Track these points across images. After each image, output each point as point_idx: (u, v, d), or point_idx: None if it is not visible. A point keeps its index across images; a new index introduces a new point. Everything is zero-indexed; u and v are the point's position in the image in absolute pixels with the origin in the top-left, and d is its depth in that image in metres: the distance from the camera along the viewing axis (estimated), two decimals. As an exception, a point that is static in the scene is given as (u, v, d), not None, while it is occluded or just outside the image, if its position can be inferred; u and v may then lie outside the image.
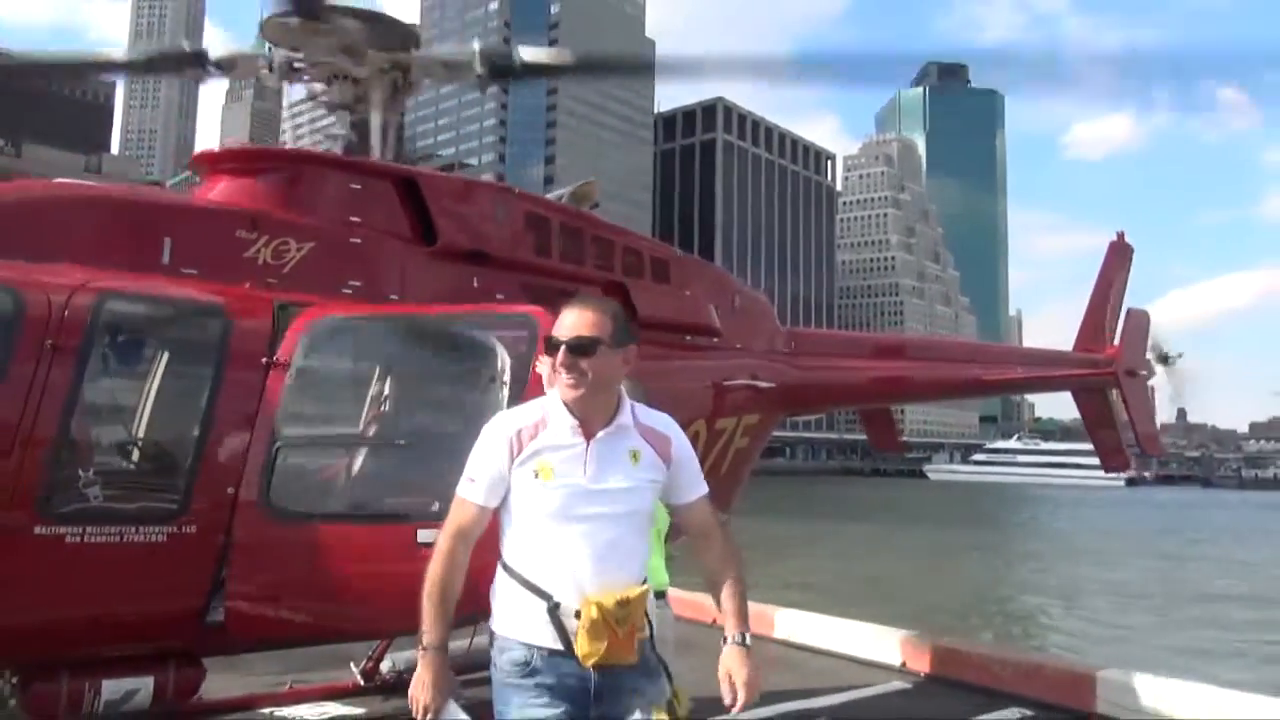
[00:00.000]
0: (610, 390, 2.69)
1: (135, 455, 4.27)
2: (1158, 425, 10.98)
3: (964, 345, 10.46)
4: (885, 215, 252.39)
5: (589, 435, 2.66)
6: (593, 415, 2.66)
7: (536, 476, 2.61)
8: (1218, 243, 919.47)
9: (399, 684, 5.73)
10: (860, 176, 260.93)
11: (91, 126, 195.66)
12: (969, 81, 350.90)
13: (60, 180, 5.11)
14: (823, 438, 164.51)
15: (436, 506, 3.63)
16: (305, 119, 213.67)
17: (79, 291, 3.88)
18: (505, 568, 2.66)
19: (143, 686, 4.08)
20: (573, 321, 2.67)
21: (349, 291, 4.79)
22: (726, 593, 2.74)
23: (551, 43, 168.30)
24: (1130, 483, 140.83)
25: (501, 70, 5.67)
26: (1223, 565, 33.75)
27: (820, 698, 6.61)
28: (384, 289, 4.92)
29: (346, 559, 4.28)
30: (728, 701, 2.60)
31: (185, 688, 4.23)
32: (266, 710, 5.53)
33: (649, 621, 2.67)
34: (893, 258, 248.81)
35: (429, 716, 2.60)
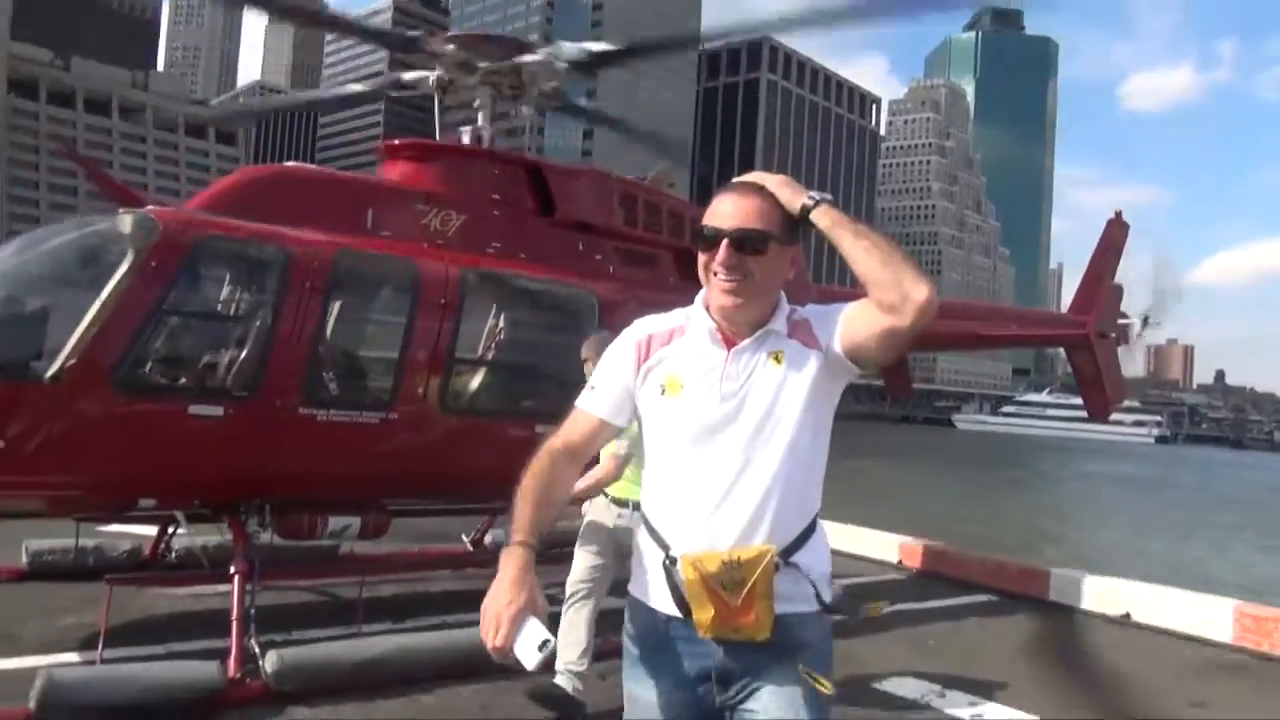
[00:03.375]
0: (772, 297, 2.15)
1: (361, 363, 6.02)
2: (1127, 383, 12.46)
3: (965, 304, 11.67)
4: (928, 162, 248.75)
5: (731, 342, 2.13)
6: (745, 322, 2.13)
7: (662, 392, 2.14)
8: (1272, 204, 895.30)
9: (497, 556, 7.45)
10: (905, 121, 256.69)
11: (138, 42, 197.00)
12: (1023, 27, 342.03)
13: (296, 165, 6.75)
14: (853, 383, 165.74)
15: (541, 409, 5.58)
16: (347, 43, 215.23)
17: (327, 248, 5.58)
18: (642, 512, 2.22)
19: (353, 524, 5.87)
20: (734, 208, 2.11)
21: (491, 251, 6.43)
22: None
23: (595, 25, 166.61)
24: (1160, 440, 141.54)
25: (594, 62, 7.22)
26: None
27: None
28: (516, 248, 6.53)
29: (482, 442, 6.03)
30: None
31: (379, 527, 6.00)
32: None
33: (815, 587, 2.08)
34: (933, 206, 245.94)
35: (499, 633, 1.85)
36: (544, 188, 6.83)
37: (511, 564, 1.94)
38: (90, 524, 6.92)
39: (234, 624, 4.91)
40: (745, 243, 2.05)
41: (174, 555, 6.87)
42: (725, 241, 2.06)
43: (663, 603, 2.09)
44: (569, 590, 4.87)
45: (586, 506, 5.03)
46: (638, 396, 2.19)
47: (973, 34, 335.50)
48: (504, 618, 1.85)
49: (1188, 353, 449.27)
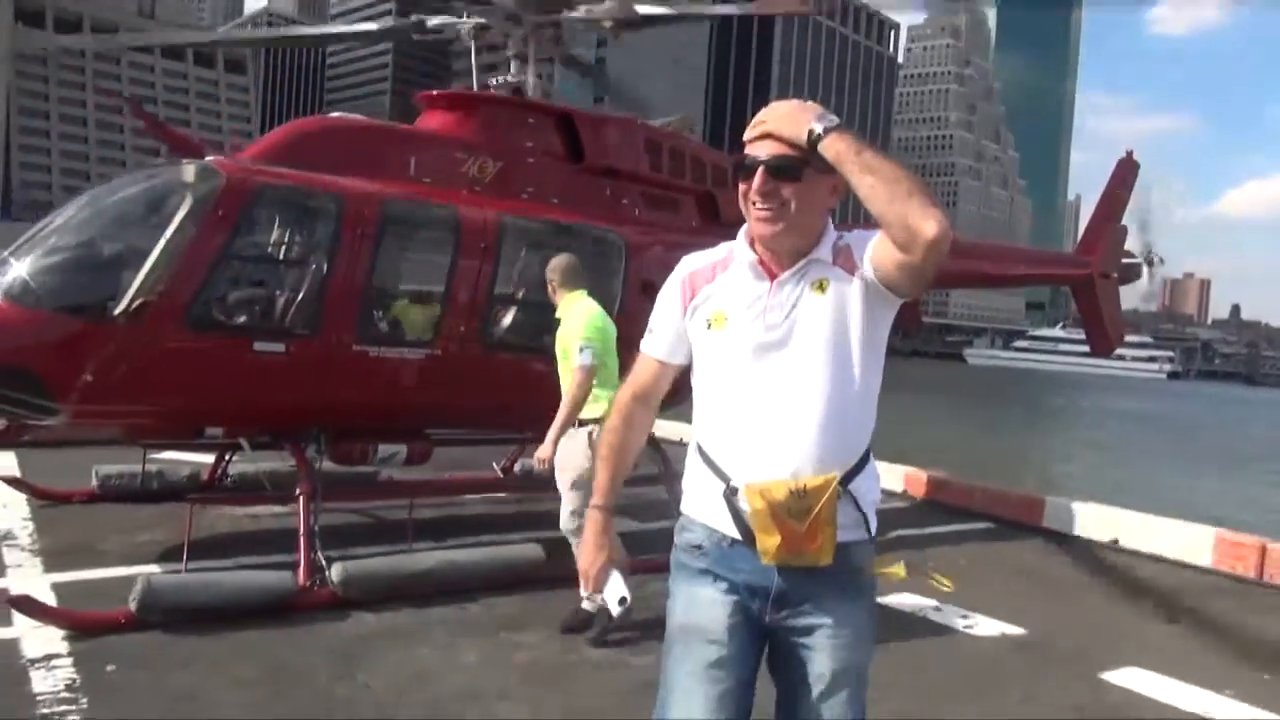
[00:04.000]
0: (814, 227, 2.14)
1: (408, 303, 6.47)
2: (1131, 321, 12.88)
3: (972, 244, 11.97)
4: (947, 91, 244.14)
5: (774, 275, 2.14)
6: (787, 252, 2.13)
7: (709, 327, 2.18)
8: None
9: (525, 482, 7.88)
10: (924, 49, 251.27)
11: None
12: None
13: (342, 115, 7.12)
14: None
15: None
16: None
17: (376, 195, 5.99)
18: (695, 441, 2.25)
19: (400, 450, 6.40)
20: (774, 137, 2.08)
21: (526, 196, 6.82)
22: None
23: None
24: (1172, 376, 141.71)
25: (629, 23, 7.51)
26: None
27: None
28: (548, 194, 6.89)
29: (518, 376, 6.51)
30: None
31: (423, 455, 6.52)
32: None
33: (865, 515, 2.14)
34: (951, 136, 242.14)
35: (591, 585, 2.36)
36: (574, 135, 7.19)
37: (591, 527, 2.32)
38: (151, 450, 7.51)
39: (301, 539, 5.45)
40: (780, 170, 2.05)
41: (230, 480, 7.45)
42: (760, 169, 2.06)
43: (724, 525, 2.13)
44: (565, 528, 5.15)
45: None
46: (689, 334, 2.24)
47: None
48: (590, 574, 2.32)
49: (1204, 286, 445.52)
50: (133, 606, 4.74)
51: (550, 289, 5.47)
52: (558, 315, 5.35)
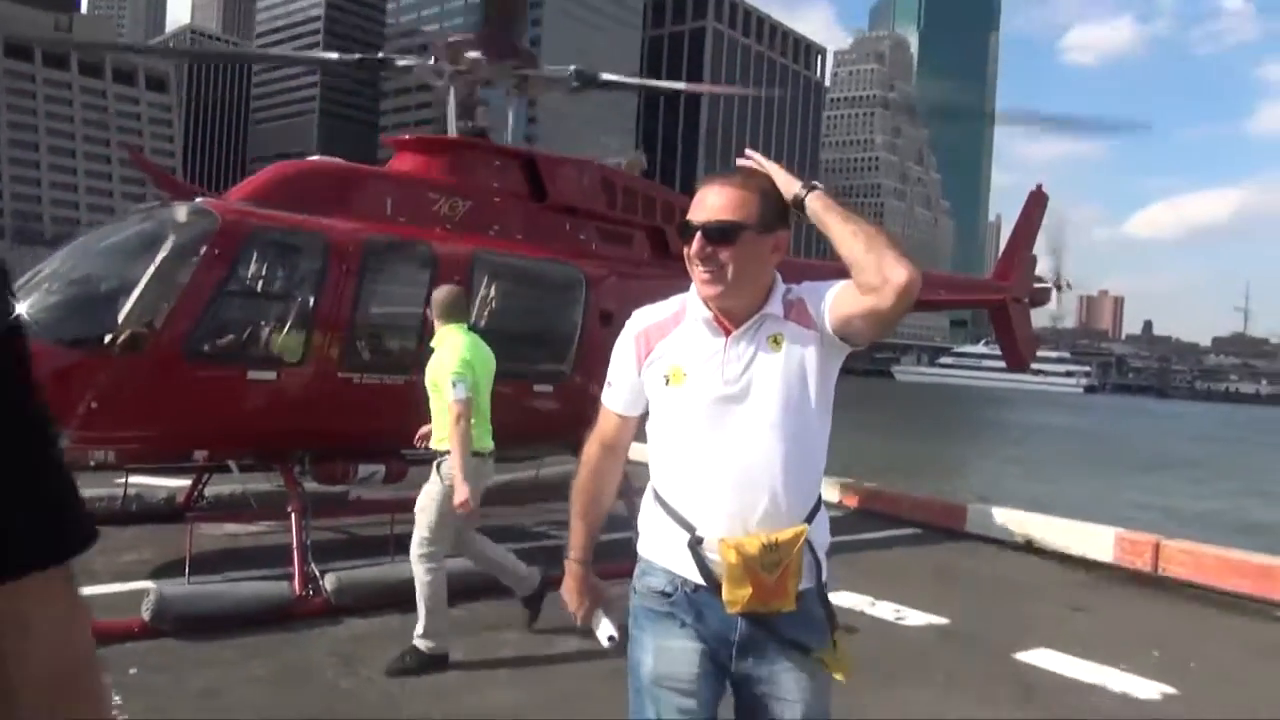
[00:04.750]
0: (759, 284, 2.21)
1: (388, 334, 6.95)
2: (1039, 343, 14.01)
3: None
4: (872, 114, 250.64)
5: (728, 330, 2.20)
6: (736, 309, 2.20)
7: (667, 383, 2.23)
8: (1204, 156, 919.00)
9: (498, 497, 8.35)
10: (850, 73, 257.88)
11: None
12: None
13: (323, 159, 7.55)
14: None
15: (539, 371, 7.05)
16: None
17: (357, 233, 6.46)
18: (653, 488, 2.30)
19: (379, 470, 6.86)
20: (713, 201, 2.20)
21: (493, 233, 7.35)
22: None
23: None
24: (1089, 390, 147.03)
25: (589, 81, 8.14)
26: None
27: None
28: (514, 231, 7.46)
29: (492, 400, 7.05)
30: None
31: (399, 474, 6.98)
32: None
33: (819, 560, 2.20)
34: (876, 158, 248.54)
35: (579, 622, 2.48)
36: (537, 176, 7.79)
37: (572, 580, 2.43)
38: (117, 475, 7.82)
39: (295, 553, 5.90)
40: (716, 234, 2.14)
41: (205, 502, 7.82)
42: (699, 234, 2.16)
43: (689, 572, 2.18)
44: (417, 551, 5.10)
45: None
46: (645, 387, 2.29)
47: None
48: (579, 618, 2.46)
49: (1118, 304, 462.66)
50: (146, 615, 5.15)
51: (431, 321, 5.51)
52: (432, 345, 5.39)
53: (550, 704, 4.67)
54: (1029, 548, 8.74)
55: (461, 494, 4.95)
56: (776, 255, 2.23)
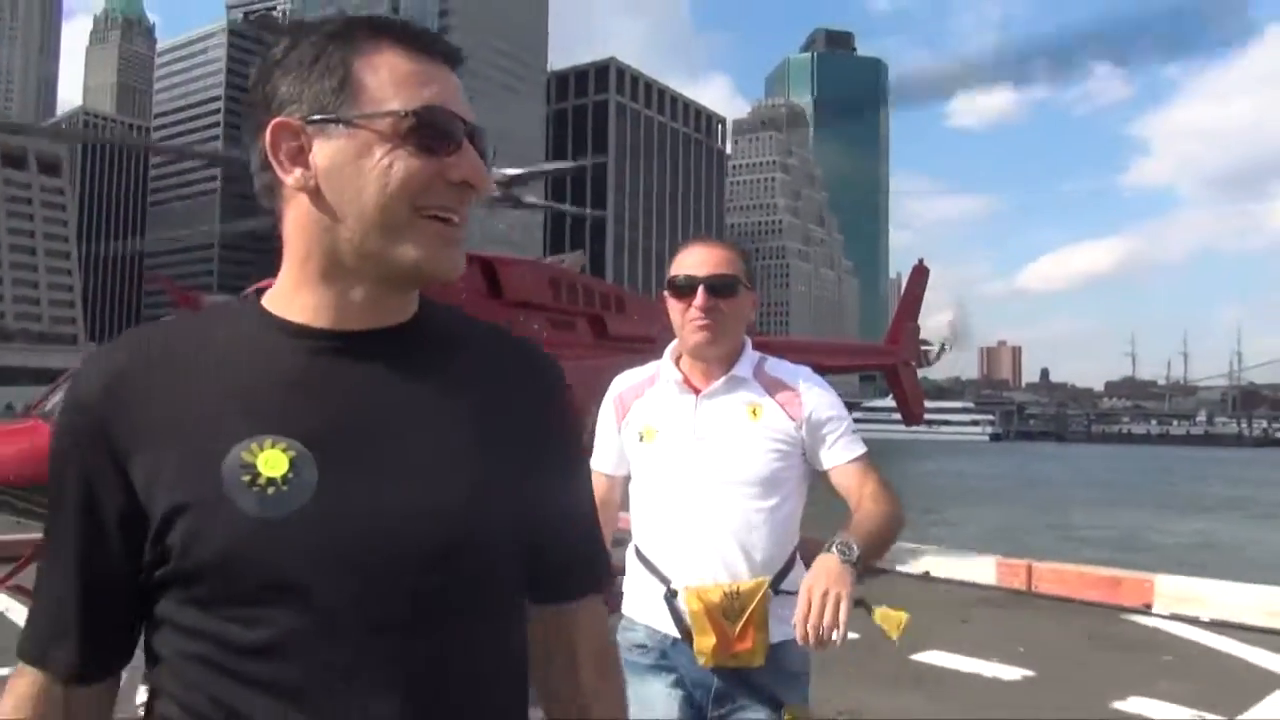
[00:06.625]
0: (739, 336, 2.34)
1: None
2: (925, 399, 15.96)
3: (807, 342, 14.35)
4: (773, 179, 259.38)
5: (698, 389, 2.32)
6: (712, 366, 2.32)
7: (641, 440, 2.33)
8: (1084, 209, 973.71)
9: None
10: (750, 140, 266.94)
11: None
12: (855, 49, 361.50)
13: None
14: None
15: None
16: (180, 66, 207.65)
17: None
18: (634, 546, 2.37)
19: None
20: (705, 258, 2.32)
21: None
22: (857, 514, 2.18)
23: (442, 15, 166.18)
24: (994, 438, 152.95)
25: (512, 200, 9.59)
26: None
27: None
28: (475, 324, 8.74)
29: None
30: (799, 637, 1.92)
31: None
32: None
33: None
34: (780, 221, 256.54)
35: None
36: (494, 276, 9.08)
37: None
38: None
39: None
40: (719, 288, 2.27)
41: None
42: (701, 287, 2.27)
43: (665, 625, 2.26)
44: None
45: None
46: (624, 447, 2.42)
47: (808, 55, 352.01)
48: None
49: (1016, 353, 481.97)
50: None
51: None
52: None
53: None
54: (927, 578, 10.17)
55: None
56: (754, 310, 2.43)
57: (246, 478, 0.94)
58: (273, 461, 0.95)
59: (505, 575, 1.07)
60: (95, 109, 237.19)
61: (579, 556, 1.22)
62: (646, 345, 11.69)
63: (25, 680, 1.03)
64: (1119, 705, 5.91)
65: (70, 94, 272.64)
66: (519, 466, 1.07)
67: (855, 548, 2.01)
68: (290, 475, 0.95)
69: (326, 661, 0.94)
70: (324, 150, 1.01)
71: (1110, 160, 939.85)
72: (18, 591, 8.16)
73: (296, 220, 1.03)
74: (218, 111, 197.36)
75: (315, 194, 1.01)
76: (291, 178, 1.02)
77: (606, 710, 1.20)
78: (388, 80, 1.01)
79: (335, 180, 1.00)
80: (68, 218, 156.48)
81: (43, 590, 1.04)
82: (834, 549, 1.99)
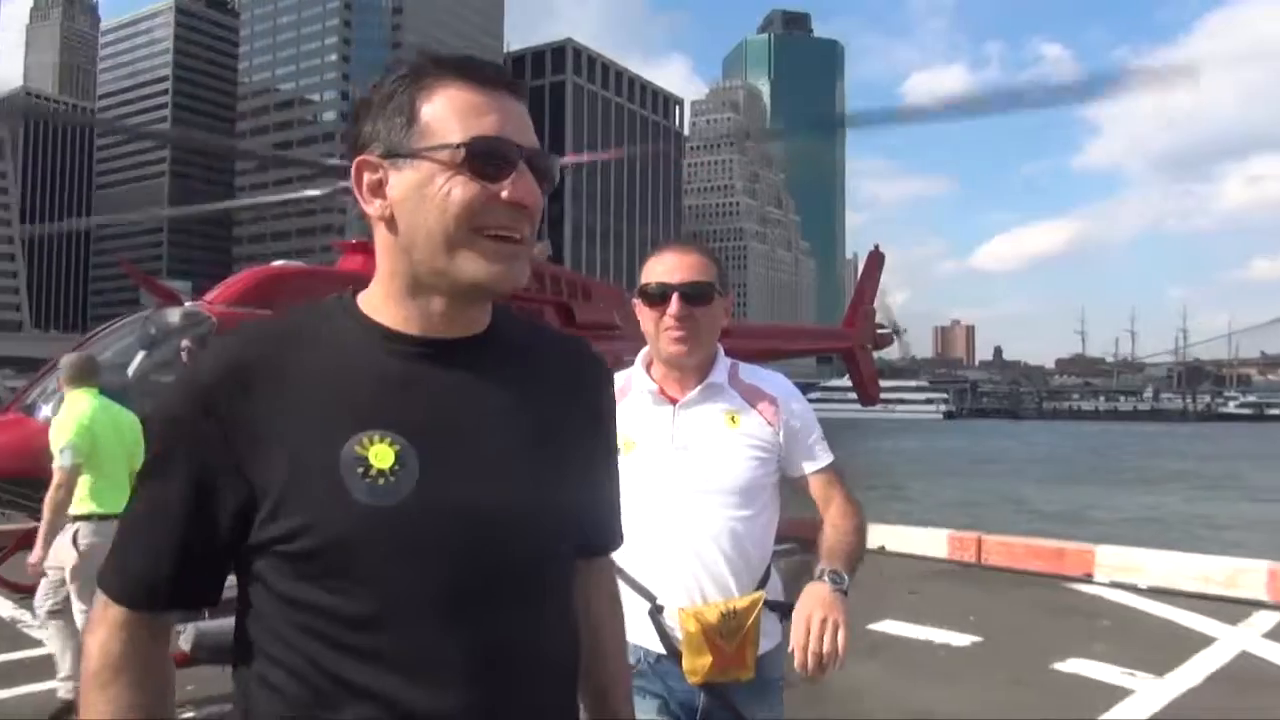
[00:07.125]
0: (713, 344, 2.30)
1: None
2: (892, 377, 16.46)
3: (767, 327, 14.68)
4: (730, 161, 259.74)
5: (674, 399, 2.27)
6: (687, 375, 2.28)
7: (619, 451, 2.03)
8: (1037, 190, 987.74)
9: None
10: (707, 121, 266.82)
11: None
12: (811, 30, 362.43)
13: (287, 263, 8.84)
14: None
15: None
16: (125, 46, 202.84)
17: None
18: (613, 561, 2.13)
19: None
20: (678, 264, 2.25)
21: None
22: (831, 535, 2.18)
23: (395, 28, 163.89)
24: (948, 416, 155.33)
25: None
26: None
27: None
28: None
29: None
30: (798, 664, 1.91)
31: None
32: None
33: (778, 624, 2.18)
34: (737, 203, 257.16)
35: None
36: None
37: None
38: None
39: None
40: (694, 295, 2.21)
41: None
42: (676, 295, 2.21)
43: (650, 642, 2.20)
44: (43, 609, 5.34)
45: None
46: None
47: (765, 36, 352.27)
48: None
49: (969, 332, 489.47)
50: (185, 647, 6.31)
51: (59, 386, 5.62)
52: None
53: None
54: (882, 553, 10.61)
55: (36, 555, 5.17)
56: (728, 316, 2.35)
57: (360, 469, 1.06)
58: (382, 455, 1.07)
59: (566, 557, 1.25)
60: (37, 89, 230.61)
61: (605, 524, 1.46)
62: (612, 332, 12.03)
63: (113, 612, 1.14)
64: (1059, 666, 6.36)
65: (10, 73, 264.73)
66: (579, 462, 1.26)
67: (846, 577, 2.05)
68: (397, 467, 1.07)
69: (418, 634, 1.07)
70: (397, 182, 1.14)
71: (1066, 142, 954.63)
72: (0, 584, 8.30)
73: (381, 243, 1.18)
74: (165, 92, 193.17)
75: (391, 221, 1.15)
76: (373, 208, 1.16)
77: (613, 634, 1.48)
78: (448, 113, 1.13)
79: (406, 208, 1.13)
80: (10, 200, 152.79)
81: (138, 541, 1.14)
82: (825, 578, 2.02)
